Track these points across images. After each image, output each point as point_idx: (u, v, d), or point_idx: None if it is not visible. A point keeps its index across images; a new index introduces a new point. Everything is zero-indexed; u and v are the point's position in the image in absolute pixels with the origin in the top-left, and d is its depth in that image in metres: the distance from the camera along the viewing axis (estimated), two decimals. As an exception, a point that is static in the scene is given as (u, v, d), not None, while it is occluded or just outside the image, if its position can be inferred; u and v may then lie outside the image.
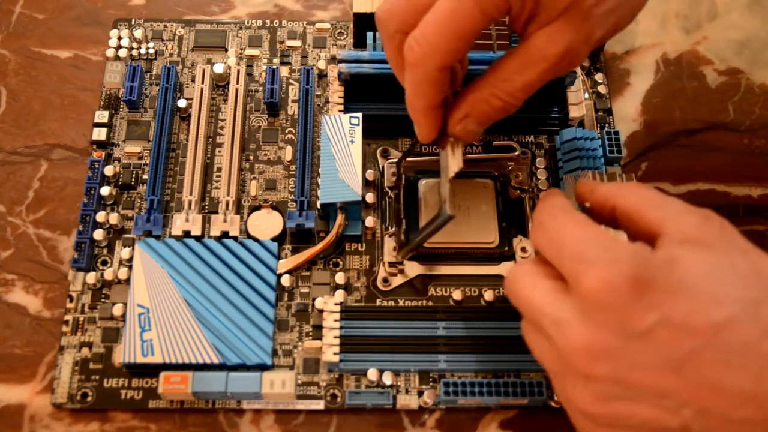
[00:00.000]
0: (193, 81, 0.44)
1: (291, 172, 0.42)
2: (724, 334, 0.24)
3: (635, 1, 0.32)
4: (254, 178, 0.42)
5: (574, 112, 0.42)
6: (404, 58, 0.31)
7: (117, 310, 0.38)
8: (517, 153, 0.41)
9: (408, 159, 0.41)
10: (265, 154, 0.42)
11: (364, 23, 0.43)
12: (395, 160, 0.41)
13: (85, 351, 0.37)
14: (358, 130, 0.39)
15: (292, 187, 0.41)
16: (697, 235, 0.27)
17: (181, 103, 0.43)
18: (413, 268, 0.39)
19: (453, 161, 0.33)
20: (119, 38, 0.45)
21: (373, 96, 0.42)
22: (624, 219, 0.30)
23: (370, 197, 0.41)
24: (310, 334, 0.38)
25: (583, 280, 0.26)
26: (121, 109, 0.43)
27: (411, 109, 0.33)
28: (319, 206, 0.40)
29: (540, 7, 0.29)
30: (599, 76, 0.45)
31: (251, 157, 0.42)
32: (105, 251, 0.39)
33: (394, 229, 0.40)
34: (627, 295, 0.25)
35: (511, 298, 0.30)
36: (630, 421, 0.26)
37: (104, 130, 0.42)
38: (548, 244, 0.29)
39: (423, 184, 0.41)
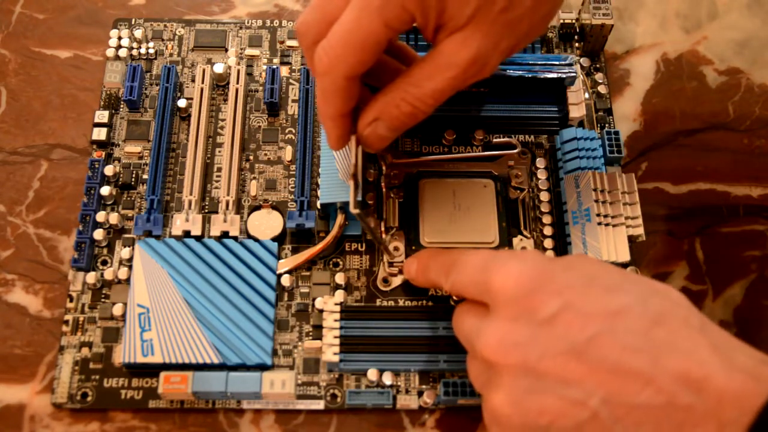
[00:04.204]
0: (193, 81, 0.44)
1: (291, 172, 0.42)
2: (619, 320, 0.27)
3: (546, 10, 0.31)
4: (254, 178, 0.42)
5: (574, 112, 0.42)
6: (314, 68, 0.32)
7: (117, 310, 0.38)
8: (517, 150, 0.41)
9: (408, 159, 0.41)
10: (265, 154, 0.42)
11: (364, 23, 0.43)
12: (395, 159, 0.41)
13: (85, 351, 0.37)
14: (358, 130, 0.39)
15: (292, 187, 0.41)
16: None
17: (181, 103, 0.43)
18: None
19: (351, 165, 0.34)
20: (119, 38, 0.45)
21: (373, 96, 0.42)
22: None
23: (370, 197, 0.41)
24: (310, 334, 0.38)
25: (494, 281, 0.29)
26: (121, 109, 0.43)
27: (320, 116, 0.34)
28: (319, 206, 0.40)
29: (446, 16, 0.29)
30: (599, 76, 0.45)
31: (251, 157, 0.42)
32: (105, 251, 0.39)
33: (396, 230, 0.40)
34: (533, 283, 0.28)
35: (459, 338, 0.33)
36: (541, 420, 0.27)
37: (104, 130, 0.42)
38: (463, 281, 0.32)
39: (425, 183, 0.41)
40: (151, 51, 0.45)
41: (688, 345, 0.26)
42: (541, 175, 0.42)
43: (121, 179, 0.41)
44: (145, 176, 0.41)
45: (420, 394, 0.37)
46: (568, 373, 0.27)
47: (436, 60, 0.31)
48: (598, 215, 0.38)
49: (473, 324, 0.31)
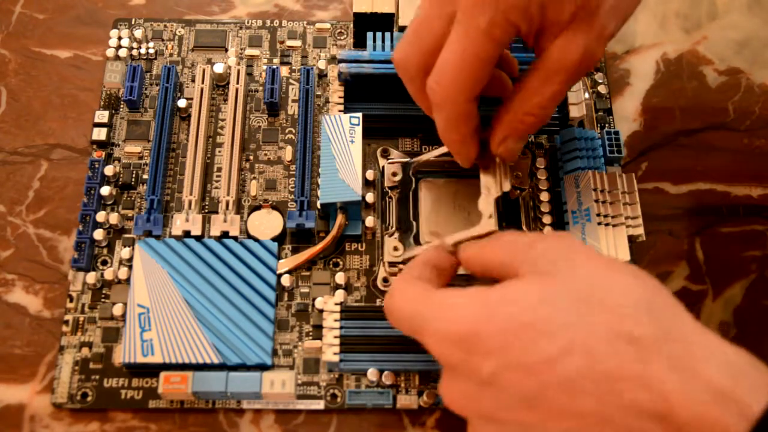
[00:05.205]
0: (193, 81, 0.44)
1: (291, 172, 0.42)
2: (561, 366, 0.25)
3: None
4: (254, 178, 0.42)
5: (574, 112, 0.42)
6: (430, 99, 0.32)
7: (117, 310, 0.38)
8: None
9: (408, 159, 0.41)
10: (265, 154, 0.42)
11: (364, 23, 0.43)
12: (395, 159, 0.41)
13: (85, 351, 0.37)
14: (358, 130, 0.39)
15: (292, 187, 0.41)
16: (543, 266, 0.28)
17: (181, 103, 0.43)
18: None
19: (503, 182, 0.35)
20: (119, 38, 0.45)
21: (373, 96, 0.42)
22: (493, 274, 0.31)
23: (370, 197, 0.41)
24: (310, 334, 0.38)
25: (428, 345, 0.29)
26: (121, 109, 0.43)
27: (447, 142, 0.34)
28: (319, 206, 0.40)
29: (548, 20, 0.30)
30: (599, 76, 0.45)
31: (251, 157, 0.42)
32: (105, 251, 0.39)
33: (396, 230, 0.40)
34: (462, 351, 0.27)
35: None
36: None
37: (104, 130, 0.42)
38: (403, 328, 0.31)
39: (424, 183, 0.41)
40: (151, 51, 0.45)
41: (638, 370, 0.24)
42: (541, 175, 0.42)
43: (121, 179, 0.41)
44: (145, 176, 0.41)
45: (420, 394, 0.37)
46: (526, 420, 0.26)
47: (547, 66, 0.31)
48: (598, 215, 0.38)
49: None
